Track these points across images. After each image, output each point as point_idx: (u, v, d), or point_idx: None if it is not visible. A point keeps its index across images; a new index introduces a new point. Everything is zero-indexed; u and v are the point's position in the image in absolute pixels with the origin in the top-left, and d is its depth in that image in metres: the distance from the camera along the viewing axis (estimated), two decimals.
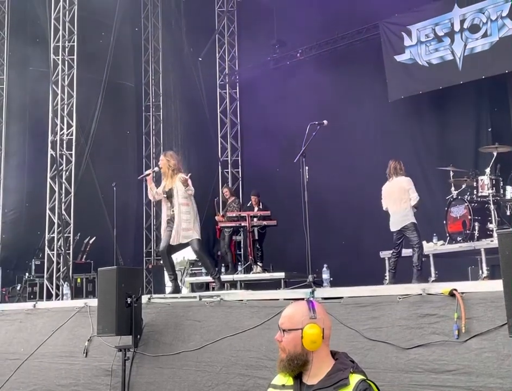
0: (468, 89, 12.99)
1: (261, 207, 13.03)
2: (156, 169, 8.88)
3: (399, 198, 9.17)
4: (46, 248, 13.86)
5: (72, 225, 13.85)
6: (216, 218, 13.35)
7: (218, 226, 13.13)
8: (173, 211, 8.50)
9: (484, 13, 12.34)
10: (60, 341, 8.59)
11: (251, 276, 11.43)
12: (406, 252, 9.44)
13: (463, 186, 10.05)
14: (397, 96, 13.66)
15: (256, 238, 12.27)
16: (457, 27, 12.78)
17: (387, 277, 9.92)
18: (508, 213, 9.55)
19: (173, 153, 8.90)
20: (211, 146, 17.83)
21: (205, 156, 17.77)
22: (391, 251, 9.43)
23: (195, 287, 12.08)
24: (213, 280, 9.15)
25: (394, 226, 9.23)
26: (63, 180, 14.01)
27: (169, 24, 18.36)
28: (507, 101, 12.79)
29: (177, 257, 14.25)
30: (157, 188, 8.76)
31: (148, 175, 8.82)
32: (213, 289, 11.03)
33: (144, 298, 7.94)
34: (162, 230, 8.73)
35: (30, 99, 15.32)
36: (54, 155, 13.99)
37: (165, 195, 8.60)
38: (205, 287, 11.96)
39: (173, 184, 8.48)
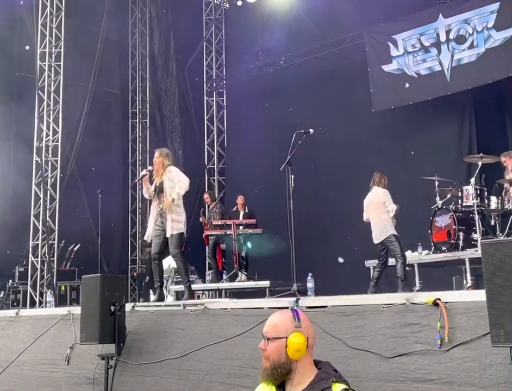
0: (454, 99, 13.06)
1: (246, 210, 13.03)
2: (150, 168, 8.76)
3: (377, 210, 9.32)
4: (30, 255, 13.77)
5: (56, 232, 13.77)
6: (200, 219, 13.30)
7: (204, 234, 13.07)
8: (160, 207, 8.44)
9: (469, 24, 12.43)
10: (42, 349, 8.53)
11: (236, 284, 11.39)
12: (391, 261, 9.49)
13: (448, 196, 10.09)
14: (386, 106, 13.71)
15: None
16: (443, 37, 12.86)
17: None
18: (492, 223, 9.58)
19: (168, 152, 8.85)
20: (197, 153, 17.81)
21: (192, 164, 17.75)
22: (376, 262, 9.49)
23: (180, 295, 12.02)
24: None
25: (376, 238, 9.37)
26: (48, 187, 13.94)
27: (157, 31, 18.36)
28: (492, 111, 12.88)
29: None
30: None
31: (145, 176, 8.71)
32: (198, 297, 10.99)
33: (128, 307, 7.89)
34: (150, 229, 8.58)
35: (15, 105, 15.21)
36: (40, 161, 13.93)
37: (154, 192, 8.54)
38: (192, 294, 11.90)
39: (163, 178, 8.43)
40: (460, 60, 12.67)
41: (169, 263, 13.70)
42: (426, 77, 13.28)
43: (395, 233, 9.12)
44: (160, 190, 8.47)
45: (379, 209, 9.28)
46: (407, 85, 13.53)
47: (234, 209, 13.50)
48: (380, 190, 9.37)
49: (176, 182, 8.37)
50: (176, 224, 8.39)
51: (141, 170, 16.71)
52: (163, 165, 8.50)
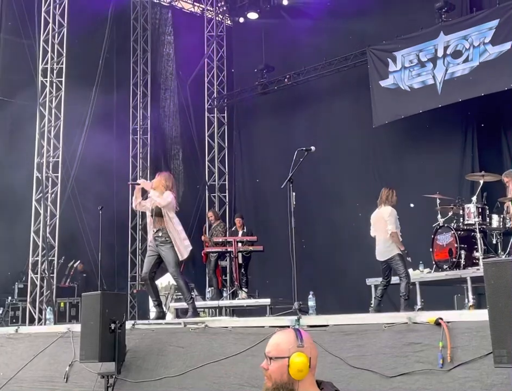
0: (456, 116, 13.13)
1: (244, 230, 13.03)
2: (149, 183, 8.73)
3: (383, 228, 9.16)
4: (30, 271, 13.69)
5: (56, 248, 13.72)
6: (202, 238, 13.29)
7: (204, 251, 13.05)
8: (154, 230, 8.40)
9: (467, 40, 12.51)
10: (41, 366, 8.46)
11: (236, 302, 11.35)
12: (394, 279, 9.43)
13: (450, 214, 10.04)
14: (382, 122, 13.77)
15: (241, 263, 12.23)
16: (440, 53, 12.97)
17: (373, 305, 9.88)
18: (494, 241, 9.54)
19: (169, 175, 8.86)
20: (198, 170, 17.83)
21: (192, 180, 17.78)
22: (380, 280, 9.41)
23: (180, 313, 11.96)
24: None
25: (379, 256, 9.23)
26: (49, 203, 13.91)
27: (158, 48, 18.45)
28: (495, 129, 12.90)
29: (162, 282, 14.14)
30: (143, 199, 8.67)
31: (138, 184, 8.66)
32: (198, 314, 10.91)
33: (128, 324, 7.84)
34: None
35: (14, 121, 15.18)
36: (40, 177, 13.91)
37: (151, 214, 8.49)
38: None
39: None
40: (453, 73, 12.75)
41: (168, 279, 13.68)
42: (418, 90, 13.37)
43: (400, 252, 9.02)
44: (155, 214, 8.43)
45: (384, 228, 9.15)
46: (399, 99, 13.62)
47: (233, 229, 13.52)
48: (387, 209, 9.20)
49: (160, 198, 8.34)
50: (185, 242, 8.38)
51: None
52: (161, 185, 8.46)
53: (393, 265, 9.05)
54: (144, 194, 8.70)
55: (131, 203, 8.96)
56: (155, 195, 8.28)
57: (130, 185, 8.97)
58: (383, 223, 9.18)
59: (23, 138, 14.42)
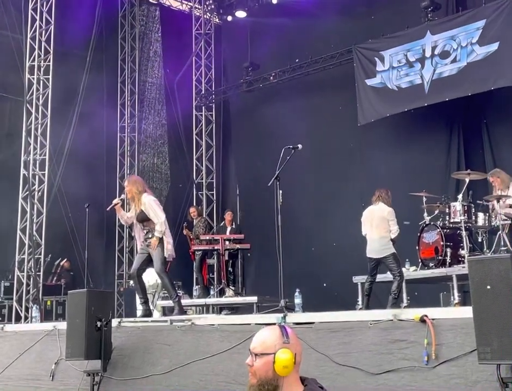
0: (442, 115, 13.17)
1: (233, 226, 13.03)
2: (123, 196, 8.95)
3: (379, 226, 9.15)
4: (16, 269, 13.64)
5: (43, 246, 13.67)
6: (184, 232, 13.28)
7: (191, 249, 13.04)
8: (145, 232, 8.48)
9: (455, 40, 12.57)
10: (27, 364, 8.44)
11: (223, 300, 11.35)
12: (379, 277, 9.48)
13: (436, 212, 10.08)
14: (367, 120, 13.80)
15: (228, 260, 12.23)
16: (428, 53, 13.00)
17: (359, 302, 9.91)
18: (480, 239, 9.60)
19: (136, 179, 9.00)
20: (185, 168, 17.81)
21: (180, 178, 17.75)
22: (367, 277, 9.42)
23: (167, 311, 11.95)
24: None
25: (372, 253, 9.19)
26: (35, 200, 13.85)
27: (146, 45, 18.40)
28: (481, 128, 12.96)
29: (149, 280, 14.08)
30: (127, 212, 8.79)
31: (116, 204, 8.74)
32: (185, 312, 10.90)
33: (115, 322, 7.83)
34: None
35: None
36: (27, 175, 13.85)
37: (138, 220, 8.58)
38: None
39: (142, 206, 8.44)
40: (441, 73, 12.80)
41: (156, 278, 13.62)
42: (405, 90, 13.40)
43: (395, 252, 9.03)
44: (141, 219, 8.50)
45: (381, 226, 9.13)
46: (385, 98, 13.67)
47: (221, 224, 13.51)
48: (386, 208, 9.20)
49: (152, 217, 8.39)
50: (170, 246, 8.46)
51: None
52: (136, 192, 8.53)
53: (387, 264, 9.03)
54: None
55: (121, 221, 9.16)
56: (154, 238, 8.36)
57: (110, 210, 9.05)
58: (380, 221, 9.17)
59: (17, 133, 14.44)
